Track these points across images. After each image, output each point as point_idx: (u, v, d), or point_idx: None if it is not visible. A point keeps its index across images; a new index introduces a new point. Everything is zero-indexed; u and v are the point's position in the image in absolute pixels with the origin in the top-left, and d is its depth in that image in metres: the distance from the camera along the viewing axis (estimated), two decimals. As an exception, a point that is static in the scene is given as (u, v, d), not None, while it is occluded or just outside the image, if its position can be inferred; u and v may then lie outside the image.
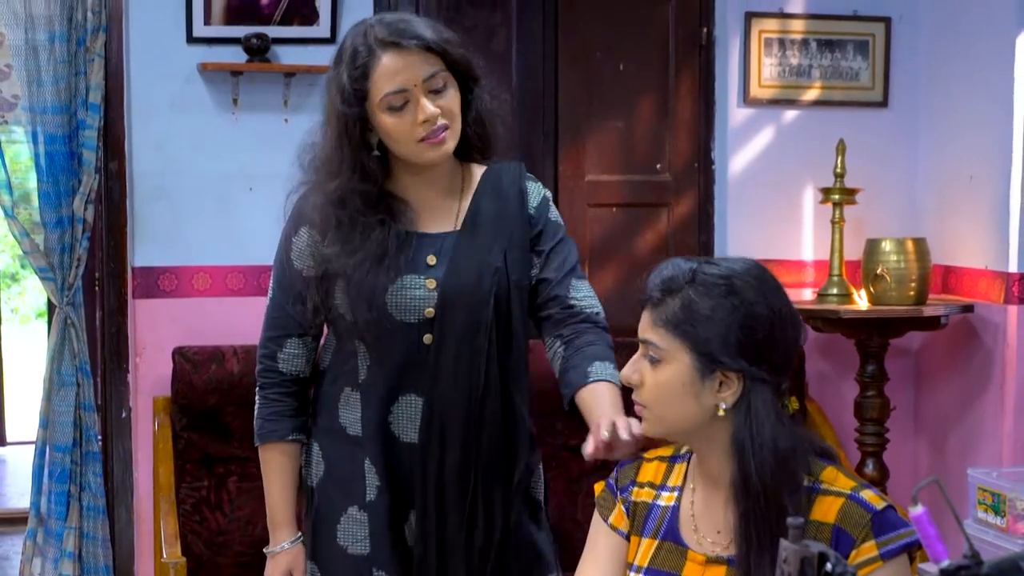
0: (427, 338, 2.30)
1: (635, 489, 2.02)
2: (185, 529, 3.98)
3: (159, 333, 4.24)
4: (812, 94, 4.63)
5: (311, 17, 4.31)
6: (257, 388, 2.45)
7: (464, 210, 2.36)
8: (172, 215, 4.28)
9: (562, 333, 2.33)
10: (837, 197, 4.42)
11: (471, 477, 2.31)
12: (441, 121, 2.25)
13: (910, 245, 4.31)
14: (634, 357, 1.91)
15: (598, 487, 2.08)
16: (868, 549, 1.80)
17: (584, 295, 2.37)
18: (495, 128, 2.38)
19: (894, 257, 4.30)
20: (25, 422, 8.24)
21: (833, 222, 4.45)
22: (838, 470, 1.87)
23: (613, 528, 2.03)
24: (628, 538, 2.02)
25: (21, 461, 7.42)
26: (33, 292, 11.43)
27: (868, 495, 1.84)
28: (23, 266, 11.10)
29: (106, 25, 4.21)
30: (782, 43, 4.60)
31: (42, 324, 12.05)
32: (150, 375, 4.25)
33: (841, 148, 4.42)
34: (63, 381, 4.24)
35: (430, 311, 2.29)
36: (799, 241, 4.64)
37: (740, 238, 4.60)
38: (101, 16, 4.21)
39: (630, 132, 4.64)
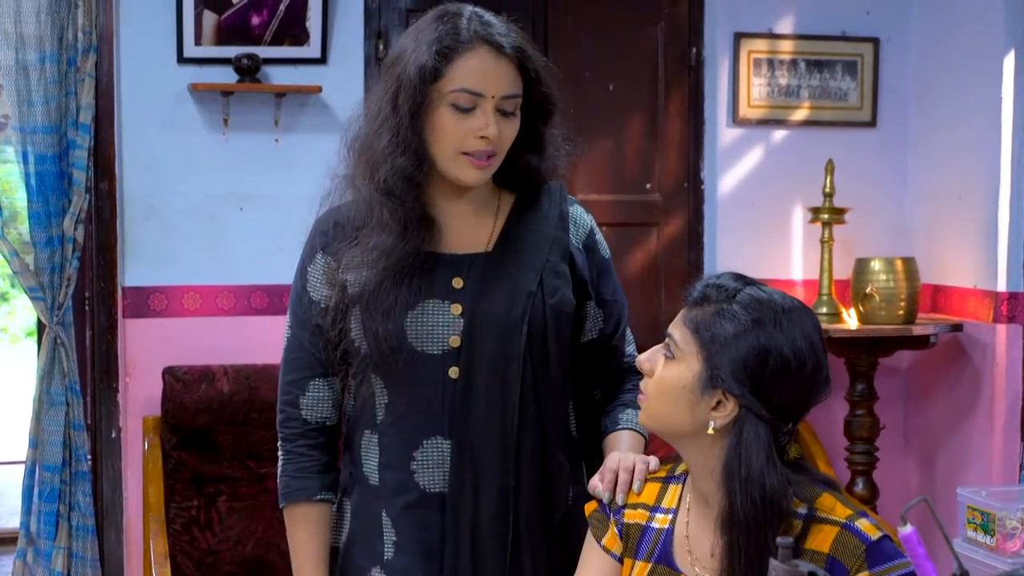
0: (453, 371, 2.05)
1: (628, 511, 2.01)
2: (175, 549, 3.97)
3: (149, 353, 4.24)
4: (801, 114, 4.66)
5: (302, 37, 4.31)
6: (279, 442, 2.18)
7: (497, 231, 2.11)
8: (162, 235, 4.28)
9: (607, 384, 2.22)
10: (826, 216, 4.43)
11: (509, 527, 2.07)
12: (490, 146, 2.03)
13: (899, 264, 4.33)
14: (655, 347, 1.91)
15: (589, 506, 2.06)
16: None
17: (631, 347, 2.24)
18: (550, 168, 2.16)
19: (883, 276, 4.31)
20: (13, 442, 8.22)
21: (822, 241, 4.47)
22: (835, 498, 1.85)
23: (606, 550, 2.02)
24: (621, 560, 2.01)
25: (9, 481, 7.39)
26: (23, 312, 11.41)
27: (864, 524, 1.82)
28: (12, 285, 11.09)
29: (96, 45, 4.22)
30: (771, 63, 4.62)
31: (31, 344, 12.03)
32: (140, 395, 4.24)
33: (830, 168, 4.43)
34: (53, 400, 4.23)
35: (455, 340, 2.05)
36: (788, 260, 4.65)
37: (730, 257, 4.62)
38: (91, 36, 4.21)
39: (620, 152, 4.66)
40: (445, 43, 2.01)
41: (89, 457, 4.27)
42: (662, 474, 2.03)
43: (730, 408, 1.82)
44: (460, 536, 2.06)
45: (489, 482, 2.05)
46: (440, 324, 2.05)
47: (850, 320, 4.40)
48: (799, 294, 4.64)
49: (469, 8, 2.08)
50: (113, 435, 4.27)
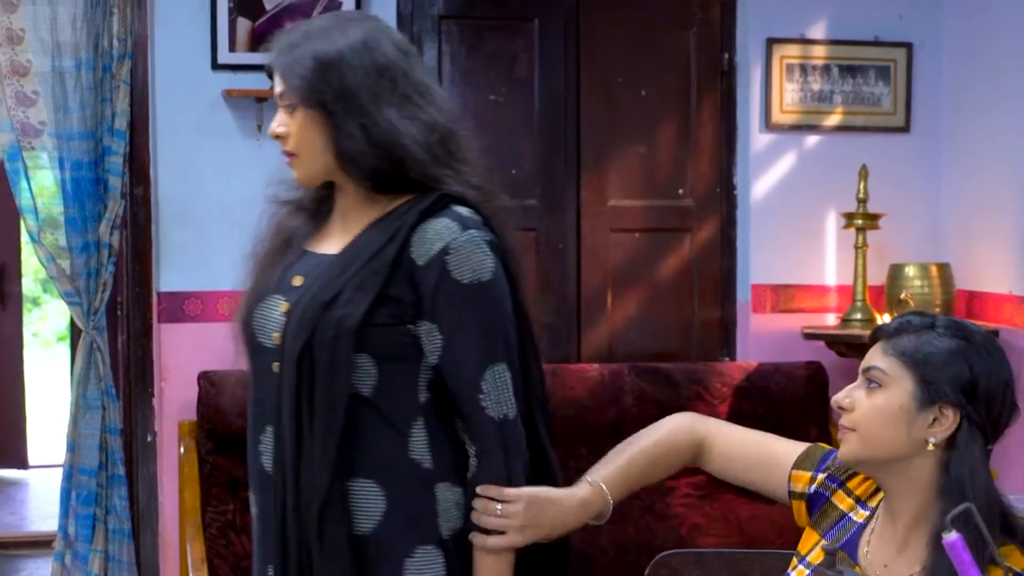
0: (275, 366, 2.08)
1: (839, 492, 2.06)
2: (211, 553, 3.99)
3: (184, 357, 4.26)
4: (834, 120, 4.64)
5: (335, 44, 4.32)
6: None
7: (353, 238, 2.13)
8: (197, 240, 4.31)
9: (471, 442, 2.07)
10: (860, 222, 4.42)
11: (284, 523, 2.06)
12: (284, 145, 2.12)
13: (934, 270, 4.31)
14: (851, 385, 1.95)
15: (817, 448, 2.12)
16: None
17: (492, 396, 2.04)
18: (392, 156, 2.06)
19: (918, 282, 4.30)
20: (47, 446, 8.28)
21: (856, 247, 4.45)
22: (1018, 550, 1.86)
23: (791, 480, 2.10)
24: (791, 498, 2.10)
25: (44, 485, 7.44)
26: (55, 316, 11.49)
27: None
28: (45, 290, 11.17)
29: (131, 52, 4.25)
30: (804, 69, 4.61)
31: (63, 348, 12.11)
32: (175, 399, 4.26)
33: (864, 173, 4.42)
34: (89, 405, 4.26)
35: (277, 336, 2.08)
36: (822, 266, 4.64)
37: (762, 263, 4.62)
38: (127, 43, 4.25)
39: (652, 157, 4.65)
40: None
41: (125, 461, 4.30)
42: None
43: (950, 421, 1.87)
44: (267, 523, 2.10)
45: (291, 473, 2.05)
46: (271, 319, 2.10)
47: (884, 326, 4.38)
48: (833, 300, 4.64)
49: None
50: (148, 439, 4.29)
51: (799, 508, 2.10)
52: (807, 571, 2.02)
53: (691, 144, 4.66)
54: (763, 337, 4.59)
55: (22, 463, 7.68)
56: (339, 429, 2.01)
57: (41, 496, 7.20)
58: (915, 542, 1.91)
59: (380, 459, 2.05)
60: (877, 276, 4.49)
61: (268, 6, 4.30)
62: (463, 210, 2.05)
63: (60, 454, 7.82)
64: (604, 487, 2.07)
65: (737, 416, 4.26)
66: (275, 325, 2.08)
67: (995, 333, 3.83)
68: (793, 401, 4.37)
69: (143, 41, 4.27)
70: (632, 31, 4.61)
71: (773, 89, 4.58)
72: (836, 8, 4.64)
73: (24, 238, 7.83)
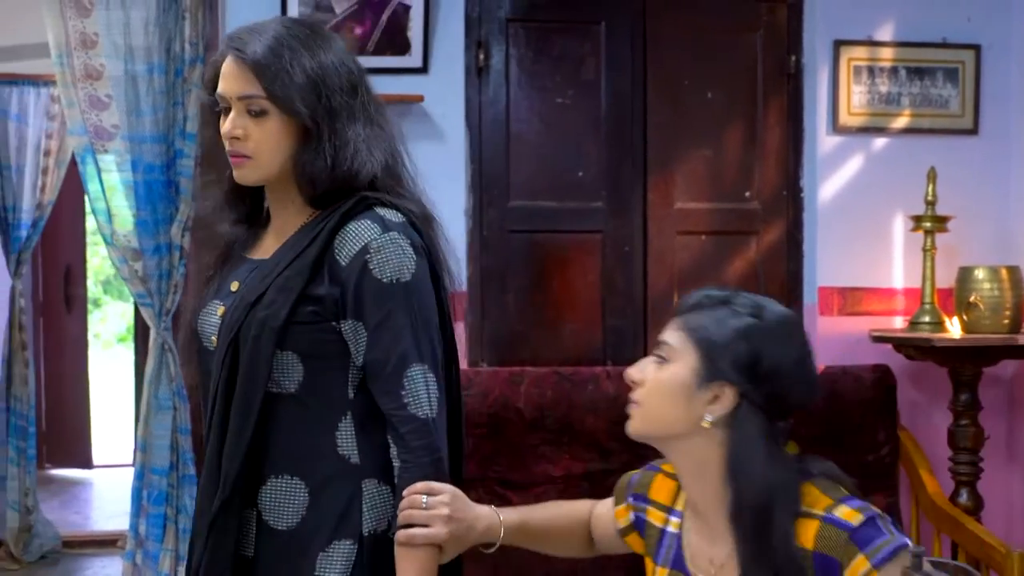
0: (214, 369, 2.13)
1: (650, 509, 2.08)
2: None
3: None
4: (902, 122, 4.61)
5: (403, 47, 4.36)
6: None
7: (281, 243, 2.17)
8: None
9: (394, 441, 2.07)
10: (928, 225, 4.39)
11: (207, 522, 2.08)
12: (240, 147, 2.09)
13: (1004, 273, 4.27)
14: (646, 359, 1.96)
15: (623, 478, 2.16)
16: (860, 564, 1.79)
17: (416, 395, 2.05)
18: (350, 181, 2.10)
19: (987, 285, 4.26)
20: (111, 446, 8.37)
21: (924, 250, 4.42)
22: (817, 489, 1.86)
23: (616, 519, 2.13)
24: (622, 536, 2.14)
25: (108, 484, 7.53)
26: (114, 317, 11.62)
27: (843, 512, 1.82)
28: (105, 291, 11.29)
29: (203, 56, 4.30)
30: (871, 71, 4.58)
31: (123, 349, 12.27)
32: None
33: (932, 176, 4.39)
34: (160, 405, 4.31)
35: (214, 340, 2.13)
36: (889, 269, 4.61)
37: (829, 266, 4.59)
38: (198, 47, 4.30)
39: (719, 160, 4.64)
40: (215, 56, 2.15)
41: (195, 461, 4.34)
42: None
43: (727, 399, 1.87)
44: (199, 518, 2.13)
45: (212, 470, 2.09)
46: (210, 324, 2.14)
47: (953, 329, 4.35)
48: (900, 303, 4.60)
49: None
50: (218, 440, 4.33)
51: (634, 541, 2.12)
52: None
53: (757, 147, 4.65)
54: (830, 340, 4.56)
55: (87, 463, 7.77)
56: (252, 424, 2.03)
57: (105, 496, 7.28)
58: (719, 525, 1.91)
59: (304, 454, 2.07)
60: (945, 279, 4.45)
61: (338, 9, 4.32)
62: (385, 212, 2.09)
63: (123, 454, 7.94)
64: (501, 518, 2.09)
65: (804, 420, 4.19)
66: (213, 329, 2.13)
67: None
68: (861, 405, 4.33)
69: (214, 44, 4.32)
70: (698, 34, 4.61)
71: (840, 91, 4.56)
72: (903, 10, 4.61)
73: (88, 240, 7.94)
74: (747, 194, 4.67)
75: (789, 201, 4.66)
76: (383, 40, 4.34)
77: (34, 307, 7.44)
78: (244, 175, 2.11)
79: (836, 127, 4.57)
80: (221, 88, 2.09)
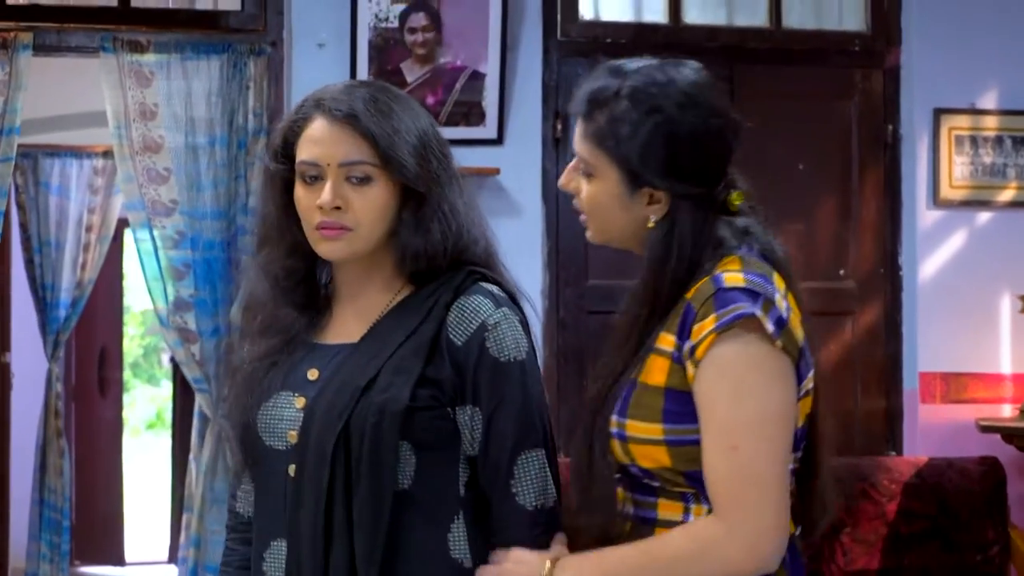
0: (292, 469, 2.02)
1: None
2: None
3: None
4: (1008, 195, 4.68)
5: (478, 117, 4.47)
6: None
7: (375, 323, 2.09)
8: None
9: (496, 532, 2.04)
10: (1039, 305, 4.44)
11: None
12: (338, 218, 2.03)
13: (1123, 357, 4.30)
14: (570, 166, 2.03)
15: None
16: (708, 323, 1.86)
17: (525, 483, 2.03)
18: (441, 249, 2.07)
19: (1105, 370, 4.29)
20: (143, 542, 8.42)
21: (1034, 332, 4.48)
22: (741, 260, 1.93)
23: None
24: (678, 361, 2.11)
25: (142, 583, 7.59)
26: (143, 402, 11.70)
27: (731, 276, 1.89)
28: (135, 374, 11.42)
29: (267, 128, 4.41)
30: (974, 140, 4.66)
31: (151, 436, 12.31)
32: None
33: (1041, 252, 4.46)
34: (216, 497, 4.38)
35: (293, 435, 2.03)
36: (996, 353, 4.65)
37: (931, 349, 4.63)
38: (262, 118, 4.41)
39: (810, 235, 4.71)
40: (296, 117, 2.09)
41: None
42: None
43: (662, 197, 1.95)
44: None
45: None
46: (284, 418, 2.05)
47: (1067, 417, 4.39)
48: (1009, 390, 4.63)
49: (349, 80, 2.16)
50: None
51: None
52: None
53: (853, 221, 4.71)
54: (933, 429, 4.61)
55: (119, 560, 7.81)
56: (385, 530, 1.97)
57: (141, 595, 7.32)
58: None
59: (420, 560, 2.01)
60: (1058, 363, 4.50)
61: (410, 78, 4.45)
62: (492, 287, 2.08)
63: (157, 550, 7.97)
64: None
65: (907, 516, 4.22)
66: (289, 423, 2.04)
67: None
68: (968, 499, 4.31)
69: (278, 116, 4.42)
70: (788, 101, 4.69)
71: (941, 162, 4.63)
72: (1008, 76, 4.69)
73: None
74: (841, 272, 4.73)
75: (887, 280, 4.72)
76: (456, 110, 4.46)
77: (66, 391, 7.56)
78: (338, 249, 2.05)
79: (937, 200, 4.65)
80: (313, 154, 2.04)
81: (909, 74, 4.71)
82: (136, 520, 8.57)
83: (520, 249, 4.40)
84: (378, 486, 1.97)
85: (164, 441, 11.24)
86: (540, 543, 2.00)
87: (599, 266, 4.59)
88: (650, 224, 1.96)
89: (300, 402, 2.04)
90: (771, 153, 4.66)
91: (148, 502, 9.57)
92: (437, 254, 2.05)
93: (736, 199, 1.99)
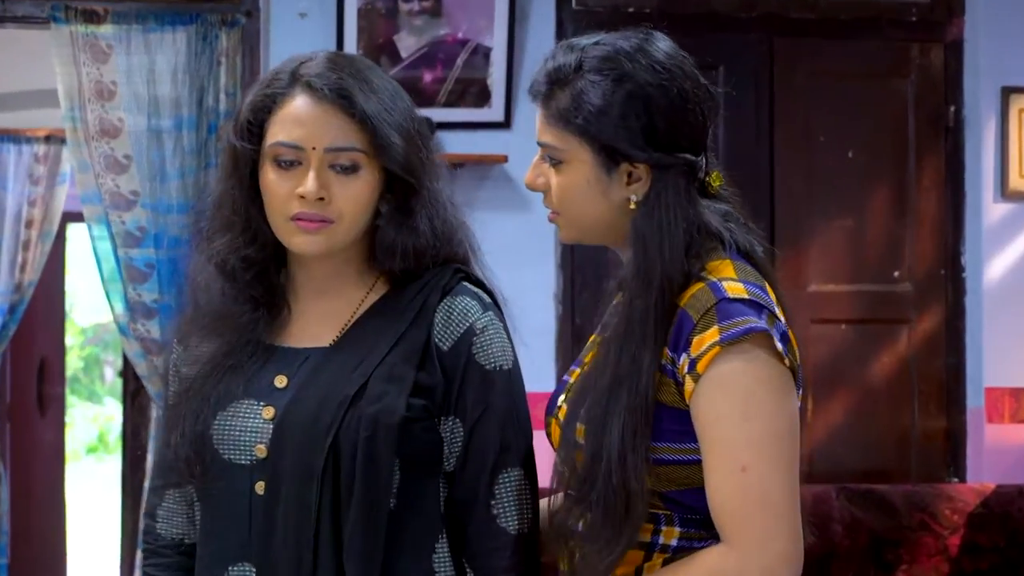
0: (259, 486, 2.01)
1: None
2: None
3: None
4: (1086, 185, 4.60)
5: (482, 98, 4.35)
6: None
7: (350, 323, 2.08)
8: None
9: (471, 558, 2.07)
10: (1123, 311, 4.35)
11: None
12: (320, 209, 2.00)
13: None
14: (535, 161, 2.02)
15: None
16: (710, 335, 1.86)
17: (507, 505, 2.05)
18: (429, 246, 2.06)
19: None
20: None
21: (1118, 342, 4.39)
22: (732, 262, 1.94)
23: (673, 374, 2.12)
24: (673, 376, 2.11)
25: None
26: (82, 423, 11.61)
27: (731, 285, 1.89)
28: (73, 391, 11.28)
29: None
30: (1047, 124, 4.58)
31: (93, 461, 12.25)
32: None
33: (1126, 250, 4.35)
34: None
35: (262, 449, 2.00)
36: (1073, 365, 4.58)
37: (998, 360, 4.58)
38: (235, 98, 4.29)
39: (861, 232, 4.64)
40: (269, 90, 2.02)
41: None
42: None
43: (642, 173, 1.95)
44: None
45: None
46: (248, 429, 2.02)
47: None
48: (1086, 404, 4.58)
49: (325, 51, 2.10)
50: None
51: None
52: None
53: (909, 216, 4.65)
54: (1001, 452, 4.55)
55: (60, 600, 7.69)
56: (382, 545, 1.98)
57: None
58: None
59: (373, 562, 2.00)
60: None
61: (404, 52, 4.32)
62: (476, 288, 2.09)
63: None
64: None
65: (972, 551, 4.25)
66: (255, 436, 2.00)
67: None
68: None
69: (254, 95, 4.28)
70: (836, 81, 4.64)
71: (1011, 148, 4.55)
72: (1084, 51, 4.62)
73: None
74: (896, 274, 4.65)
75: (948, 282, 4.66)
76: (458, 89, 4.35)
77: (0, 409, 7.38)
78: (316, 242, 2.00)
79: (1005, 192, 4.58)
80: (293, 136, 1.98)
81: (974, 48, 4.63)
82: (81, 557, 8.46)
83: (530, 247, 4.35)
84: (370, 507, 1.97)
85: (109, 467, 11.16)
86: (520, 571, 2.03)
87: (619, 267, 4.44)
88: (632, 205, 1.96)
89: (268, 412, 2.01)
90: (816, 139, 4.62)
91: (93, 536, 9.50)
92: (425, 251, 2.05)
93: (716, 180, 2.01)
